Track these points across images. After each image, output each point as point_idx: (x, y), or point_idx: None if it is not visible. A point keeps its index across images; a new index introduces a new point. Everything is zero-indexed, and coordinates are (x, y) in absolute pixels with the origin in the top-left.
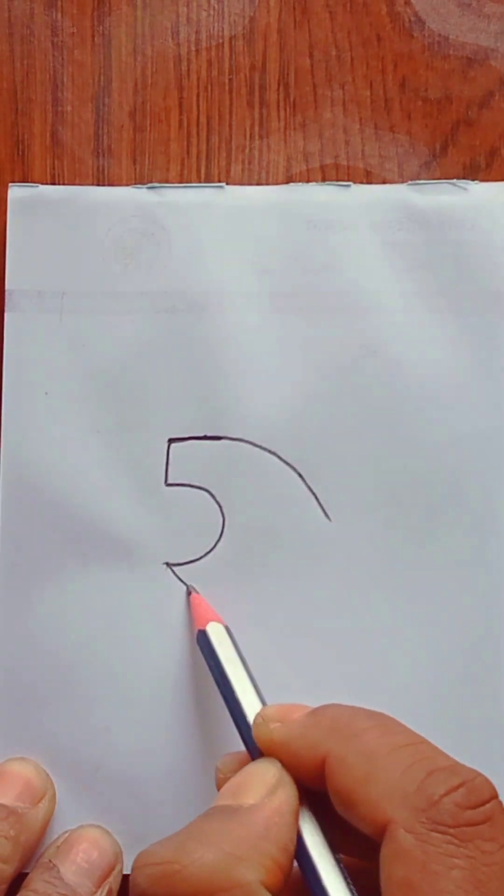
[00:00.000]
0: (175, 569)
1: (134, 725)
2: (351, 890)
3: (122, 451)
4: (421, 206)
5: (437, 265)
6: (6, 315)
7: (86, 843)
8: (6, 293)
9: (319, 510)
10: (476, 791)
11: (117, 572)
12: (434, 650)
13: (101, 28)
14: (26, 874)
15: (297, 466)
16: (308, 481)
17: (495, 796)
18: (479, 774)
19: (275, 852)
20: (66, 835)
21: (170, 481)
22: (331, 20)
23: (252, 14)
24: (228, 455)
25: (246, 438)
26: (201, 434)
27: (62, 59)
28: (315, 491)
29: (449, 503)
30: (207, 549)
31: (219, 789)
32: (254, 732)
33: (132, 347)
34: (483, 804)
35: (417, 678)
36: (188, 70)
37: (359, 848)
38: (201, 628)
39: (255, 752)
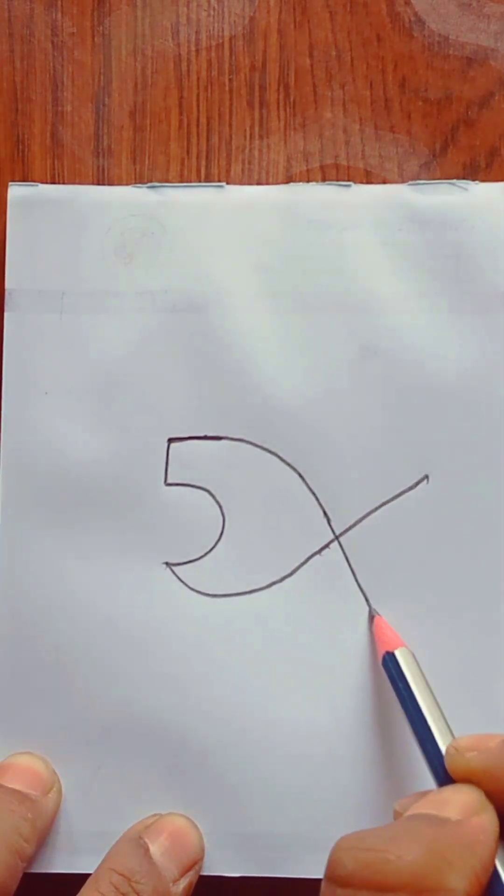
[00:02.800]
0: (175, 568)
1: (133, 725)
2: None
3: (121, 450)
4: (421, 206)
5: (437, 265)
6: (6, 315)
7: (176, 829)
8: (6, 293)
9: (319, 510)
10: None
11: (117, 572)
12: (442, 645)
13: (101, 28)
14: (26, 873)
15: (297, 466)
16: (308, 481)
17: None
18: None
19: (479, 868)
20: (156, 817)
21: (170, 481)
22: (331, 20)
23: (252, 14)
24: (228, 455)
25: (246, 438)
26: (201, 434)
27: (62, 59)
28: (315, 491)
29: (449, 503)
30: (207, 549)
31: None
32: (448, 762)
33: (132, 347)
34: None
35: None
36: (188, 70)
37: None
38: (389, 651)
39: (443, 781)
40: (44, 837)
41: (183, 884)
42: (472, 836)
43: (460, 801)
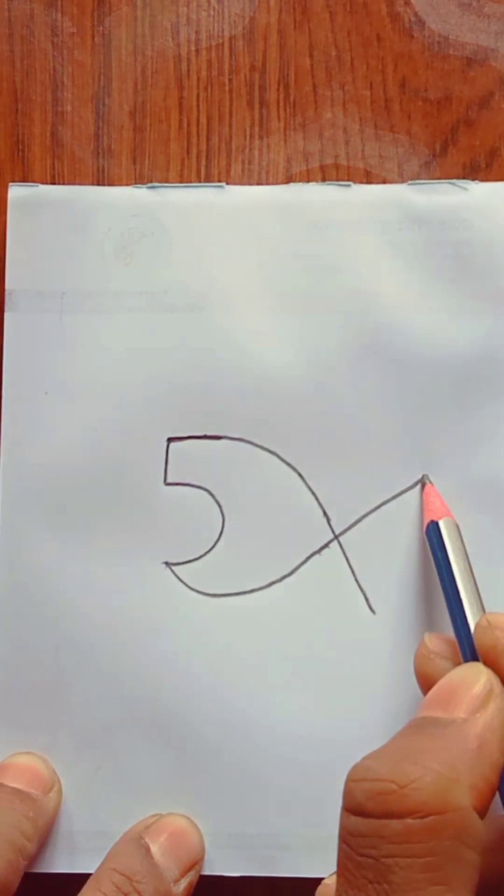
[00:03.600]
0: (174, 568)
1: (133, 725)
2: None
3: (121, 450)
4: (421, 206)
5: (437, 265)
6: (6, 315)
7: (177, 829)
8: (6, 293)
9: (319, 510)
10: None
11: (117, 571)
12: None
13: (101, 28)
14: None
15: (296, 466)
16: (308, 481)
17: None
18: None
19: (487, 771)
20: (157, 817)
21: (169, 480)
22: (331, 20)
23: (252, 14)
24: (228, 454)
25: (246, 438)
26: (201, 433)
27: (62, 59)
28: (315, 490)
29: (449, 503)
30: (207, 549)
31: (417, 661)
32: (476, 635)
33: (132, 347)
34: None
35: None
36: (188, 70)
37: None
38: (434, 519)
39: (469, 655)
40: (45, 836)
41: (184, 884)
42: (479, 738)
43: (469, 693)
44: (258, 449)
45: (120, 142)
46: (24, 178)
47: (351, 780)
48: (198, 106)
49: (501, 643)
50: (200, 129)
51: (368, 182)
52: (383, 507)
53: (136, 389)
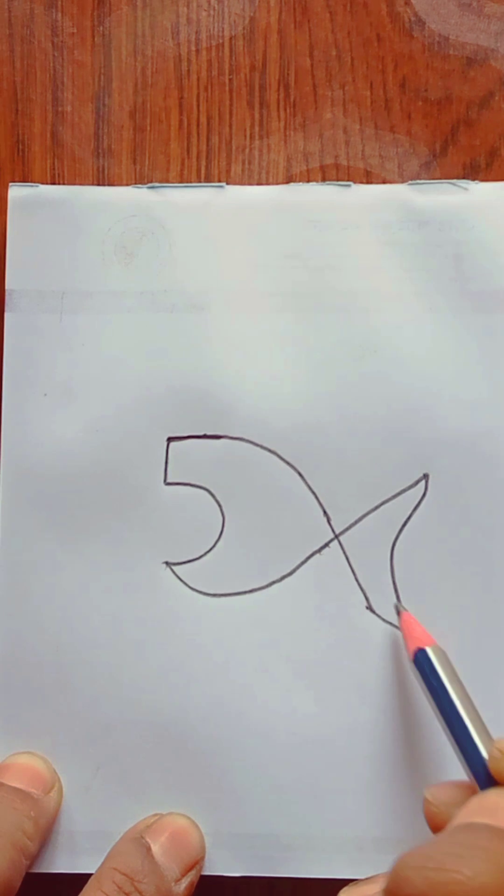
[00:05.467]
0: (174, 568)
1: (133, 725)
2: None
3: (121, 450)
4: (421, 206)
5: (437, 265)
6: (6, 315)
7: (177, 829)
8: (6, 293)
9: (319, 509)
10: None
11: (117, 571)
12: (442, 643)
13: (101, 28)
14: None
15: (297, 466)
16: (308, 481)
17: None
18: None
19: None
20: (157, 817)
21: (169, 480)
22: (331, 20)
23: (252, 14)
24: (228, 454)
25: (246, 437)
26: (201, 433)
27: (62, 59)
28: (315, 490)
29: (449, 502)
30: (207, 549)
31: (430, 819)
32: (492, 765)
33: (132, 347)
34: None
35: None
36: (188, 70)
37: None
38: (420, 647)
39: (484, 783)
40: (46, 836)
41: (185, 883)
42: None
43: None
44: (258, 448)
45: (120, 142)
46: (24, 178)
47: (407, 867)
48: (198, 106)
49: None
50: (200, 129)
51: (368, 182)
52: (383, 507)
53: (136, 389)
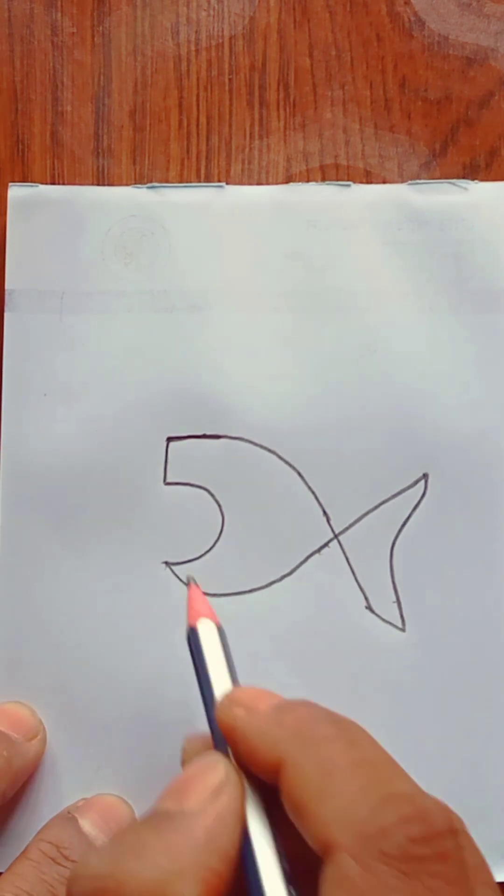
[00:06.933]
0: (174, 567)
1: (132, 724)
2: (290, 893)
3: (121, 449)
4: (421, 206)
5: (437, 265)
6: (6, 315)
7: (106, 804)
8: (6, 293)
9: (319, 509)
10: (431, 824)
11: (117, 571)
12: (442, 641)
13: (101, 28)
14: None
15: (296, 466)
16: (308, 481)
17: (455, 830)
18: (440, 806)
19: (215, 863)
20: (84, 798)
21: (169, 480)
22: (331, 20)
23: (252, 14)
24: (228, 454)
25: (245, 437)
26: (200, 433)
27: (62, 59)
28: (314, 490)
29: (449, 502)
30: (207, 548)
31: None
32: (216, 712)
33: (132, 347)
34: (436, 838)
35: (419, 674)
36: (188, 70)
37: (307, 852)
38: (192, 625)
39: (217, 737)
40: (19, 780)
41: None
42: (207, 830)
43: (202, 782)
44: (258, 448)
45: (120, 142)
46: (24, 178)
47: (71, 878)
48: (198, 106)
49: (238, 722)
50: (200, 129)
51: (368, 182)
52: (383, 507)
53: (136, 389)
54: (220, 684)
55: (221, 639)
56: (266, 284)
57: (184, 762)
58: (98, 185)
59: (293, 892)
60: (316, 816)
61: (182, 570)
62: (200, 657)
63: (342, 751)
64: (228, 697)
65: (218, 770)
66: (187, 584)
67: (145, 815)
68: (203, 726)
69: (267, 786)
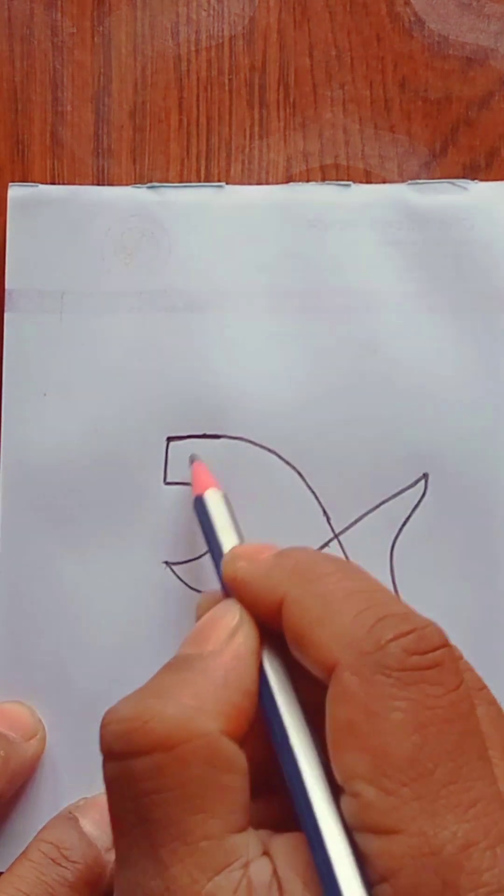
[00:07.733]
0: (174, 567)
1: None
2: (307, 725)
3: (121, 449)
4: (421, 206)
5: (437, 265)
6: (6, 315)
7: (106, 804)
8: (6, 293)
9: (319, 509)
10: (425, 638)
11: (117, 571)
12: None
13: (101, 28)
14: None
15: (297, 465)
16: (308, 481)
17: (446, 644)
18: (431, 623)
19: (236, 698)
20: (85, 798)
21: (169, 480)
22: (331, 20)
23: (252, 14)
24: (228, 454)
25: (245, 437)
26: (200, 433)
27: (62, 59)
28: (314, 489)
29: (448, 502)
30: (207, 548)
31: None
32: (221, 568)
33: (132, 347)
34: (432, 651)
35: None
36: (188, 70)
37: (315, 689)
38: (199, 494)
39: (227, 594)
40: (17, 779)
41: None
42: (225, 667)
43: (218, 626)
44: (258, 448)
45: (120, 142)
46: (24, 178)
47: (101, 726)
48: (198, 106)
49: (240, 573)
50: (200, 129)
51: (368, 182)
52: (383, 507)
53: (135, 389)
54: (228, 544)
55: (227, 504)
56: (266, 284)
57: (198, 618)
58: (98, 185)
59: (305, 720)
60: (317, 641)
61: (182, 570)
62: (209, 522)
63: (339, 582)
64: (231, 553)
65: (233, 613)
66: (191, 461)
67: (167, 664)
68: None
69: (276, 635)
